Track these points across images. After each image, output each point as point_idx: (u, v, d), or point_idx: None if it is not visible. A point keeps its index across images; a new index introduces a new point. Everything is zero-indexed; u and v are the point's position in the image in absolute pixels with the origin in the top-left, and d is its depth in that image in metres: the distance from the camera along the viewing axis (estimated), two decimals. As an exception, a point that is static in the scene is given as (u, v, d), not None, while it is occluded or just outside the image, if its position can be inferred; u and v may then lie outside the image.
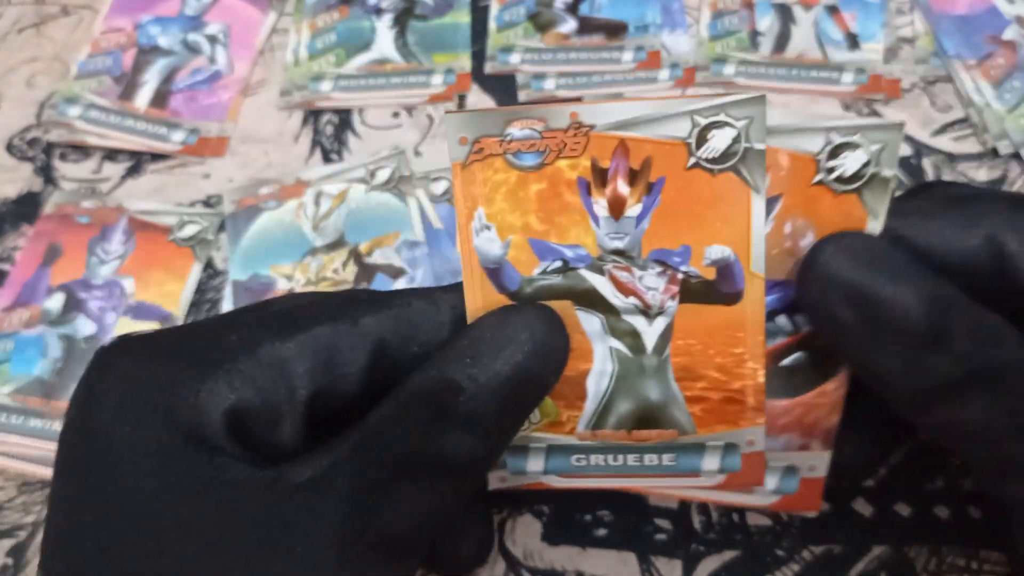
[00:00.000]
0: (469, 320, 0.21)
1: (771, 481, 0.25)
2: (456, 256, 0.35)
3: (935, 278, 0.19)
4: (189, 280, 0.35)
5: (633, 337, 0.22)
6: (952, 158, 0.36)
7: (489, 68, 0.41)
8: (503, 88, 0.40)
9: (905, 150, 0.36)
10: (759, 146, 0.21)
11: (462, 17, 0.43)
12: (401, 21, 0.43)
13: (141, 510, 0.18)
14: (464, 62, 0.41)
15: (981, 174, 0.35)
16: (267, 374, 0.19)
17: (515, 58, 0.41)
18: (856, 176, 0.21)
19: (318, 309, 0.20)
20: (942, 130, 0.37)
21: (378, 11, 0.43)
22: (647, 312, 0.22)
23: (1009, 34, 0.39)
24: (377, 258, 0.35)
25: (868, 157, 0.21)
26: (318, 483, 0.18)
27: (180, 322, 0.35)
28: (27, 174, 0.39)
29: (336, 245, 0.36)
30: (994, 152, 0.36)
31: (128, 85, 0.41)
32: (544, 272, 0.22)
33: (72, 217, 0.37)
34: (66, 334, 0.34)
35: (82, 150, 0.40)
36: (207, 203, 0.38)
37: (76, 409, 0.19)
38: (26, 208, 0.38)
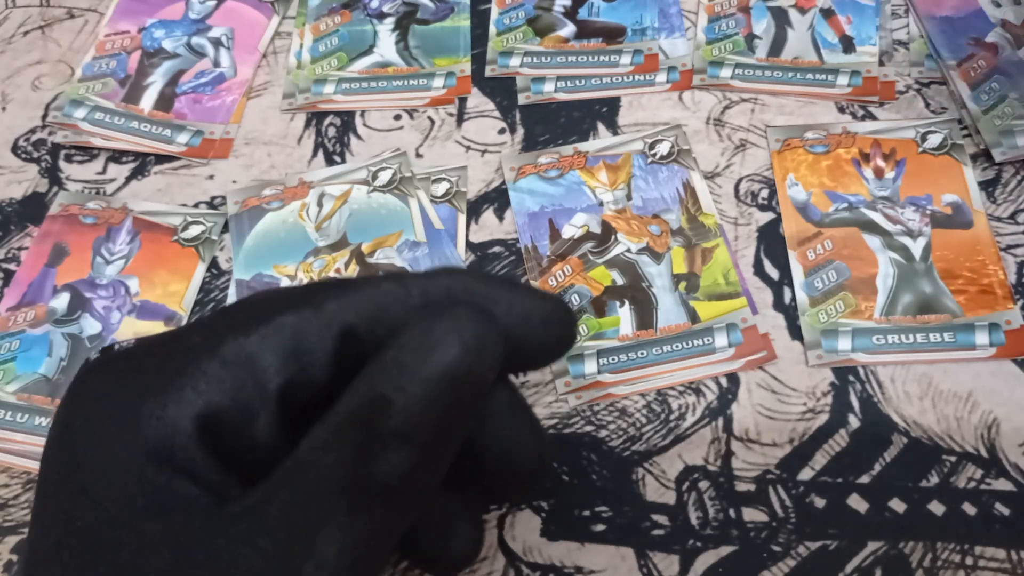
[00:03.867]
0: None
1: (983, 337, 0.31)
2: (456, 256, 0.35)
3: None
4: (193, 280, 0.36)
5: (904, 251, 0.33)
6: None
7: (489, 72, 0.41)
8: (503, 91, 0.41)
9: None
10: (959, 141, 0.36)
11: (462, 21, 0.43)
12: (403, 25, 0.43)
13: (102, 534, 0.17)
14: (465, 66, 0.42)
15: (975, 175, 0.36)
16: (233, 372, 0.19)
17: (515, 61, 0.41)
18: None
19: (282, 299, 0.20)
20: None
21: (380, 15, 0.44)
22: (911, 234, 0.33)
23: (992, 37, 0.40)
24: (379, 258, 0.36)
25: None
26: (251, 513, 0.17)
27: (185, 321, 0.35)
28: (33, 175, 0.40)
29: (339, 245, 0.36)
30: (987, 154, 0.36)
31: (133, 87, 0.42)
32: (836, 210, 0.34)
33: (77, 218, 0.38)
34: (71, 333, 0.35)
35: (87, 151, 0.40)
36: (211, 204, 0.38)
37: (55, 428, 0.19)
38: (32, 209, 0.38)
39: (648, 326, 0.33)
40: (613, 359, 0.32)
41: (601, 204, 0.36)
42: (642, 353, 0.32)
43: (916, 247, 0.33)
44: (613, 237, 0.35)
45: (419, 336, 0.18)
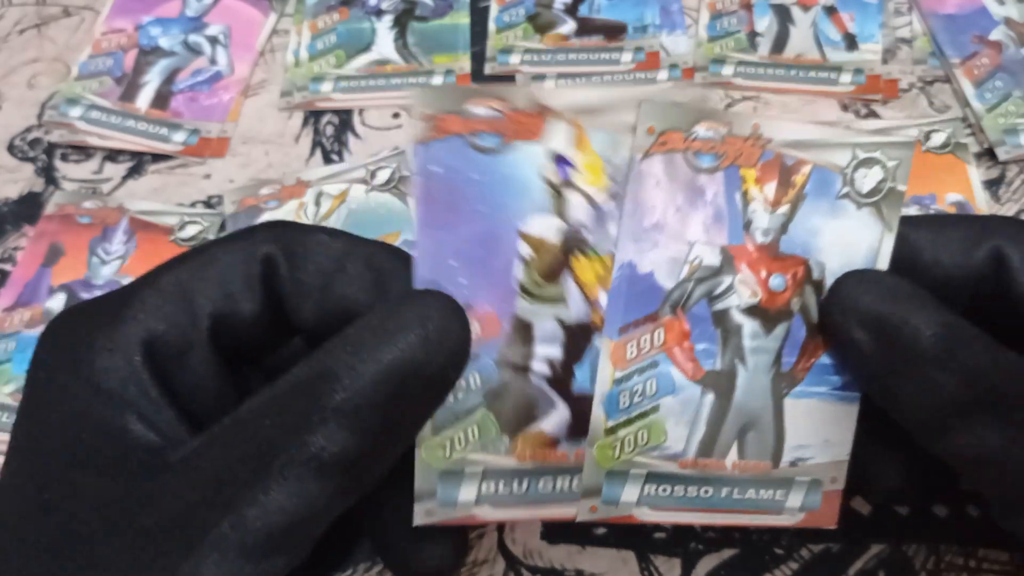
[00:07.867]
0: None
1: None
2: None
3: (946, 308, 0.20)
4: (190, 280, 0.36)
5: None
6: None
7: (489, 69, 0.41)
8: (503, 89, 0.40)
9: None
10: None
11: (462, 18, 0.43)
12: (401, 22, 0.43)
13: (58, 475, 0.18)
14: (464, 63, 0.41)
15: (979, 174, 0.35)
16: (169, 299, 0.19)
17: (515, 59, 0.41)
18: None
19: (225, 237, 0.21)
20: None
21: (378, 12, 0.43)
22: None
23: (996, 35, 0.39)
24: (377, 258, 0.35)
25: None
26: (184, 464, 0.17)
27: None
28: (28, 174, 0.39)
29: (336, 245, 0.36)
30: (991, 152, 0.36)
31: (129, 86, 0.41)
32: None
33: (73, 217, 0.37)
34: (68, 334, 0.34)
35: (83, 151, 0.40)
36: (208, 203, 0.38)
37: (26, 378, 0.20)
38: (27, 208, 0.38)
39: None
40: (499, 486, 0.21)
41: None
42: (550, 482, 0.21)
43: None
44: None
45: (382, 318, 0.18)
